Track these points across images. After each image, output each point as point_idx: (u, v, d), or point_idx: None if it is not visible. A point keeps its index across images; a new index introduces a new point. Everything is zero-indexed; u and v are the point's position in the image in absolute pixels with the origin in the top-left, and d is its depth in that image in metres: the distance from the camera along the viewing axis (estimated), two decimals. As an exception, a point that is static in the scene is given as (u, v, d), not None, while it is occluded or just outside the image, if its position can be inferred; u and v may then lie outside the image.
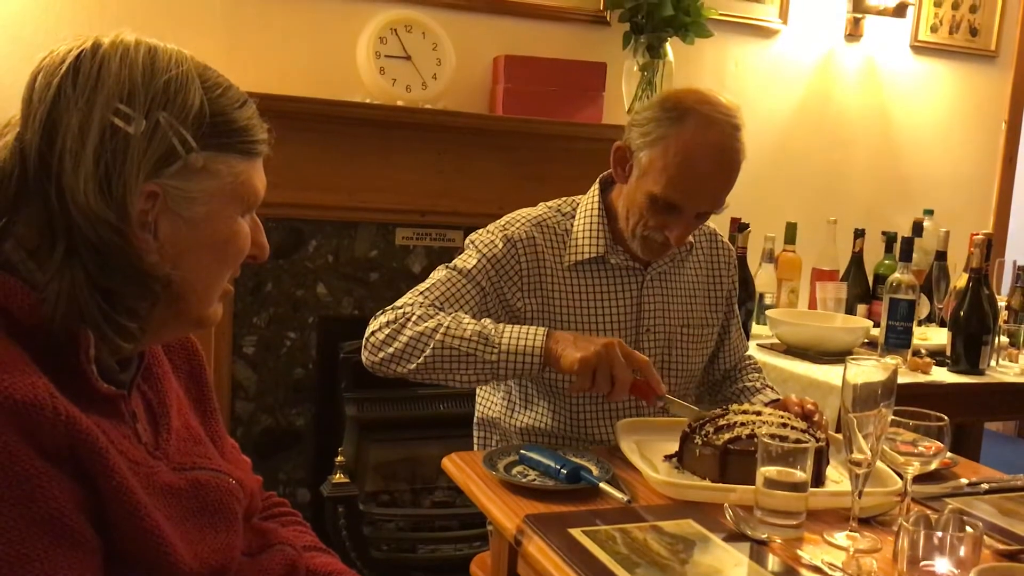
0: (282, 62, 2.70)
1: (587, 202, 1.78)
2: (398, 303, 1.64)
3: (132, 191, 0.88)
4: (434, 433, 2.68)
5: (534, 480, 1.39)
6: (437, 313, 1.59)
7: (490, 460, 1.45)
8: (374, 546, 2.60)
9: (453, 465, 1.50)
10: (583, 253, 1.73)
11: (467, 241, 1.74)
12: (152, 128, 0.88)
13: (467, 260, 1.69)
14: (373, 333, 1.61)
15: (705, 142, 1.60)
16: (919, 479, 1.31)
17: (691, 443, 1.46)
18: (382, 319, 1.62)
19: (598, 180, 1.81)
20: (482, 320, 1.59)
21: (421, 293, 1.65)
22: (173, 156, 0.90)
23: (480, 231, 1.75)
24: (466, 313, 1.63)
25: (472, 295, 1.66)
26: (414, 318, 1.58)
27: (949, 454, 1.59)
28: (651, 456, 1.53)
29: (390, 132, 2.69)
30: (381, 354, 1.59)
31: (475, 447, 1.88)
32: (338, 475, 2.51)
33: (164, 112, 0.89)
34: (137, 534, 0.86)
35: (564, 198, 1.83)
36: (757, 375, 1.95)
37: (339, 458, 2.53)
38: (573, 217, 1.77)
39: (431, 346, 1.55)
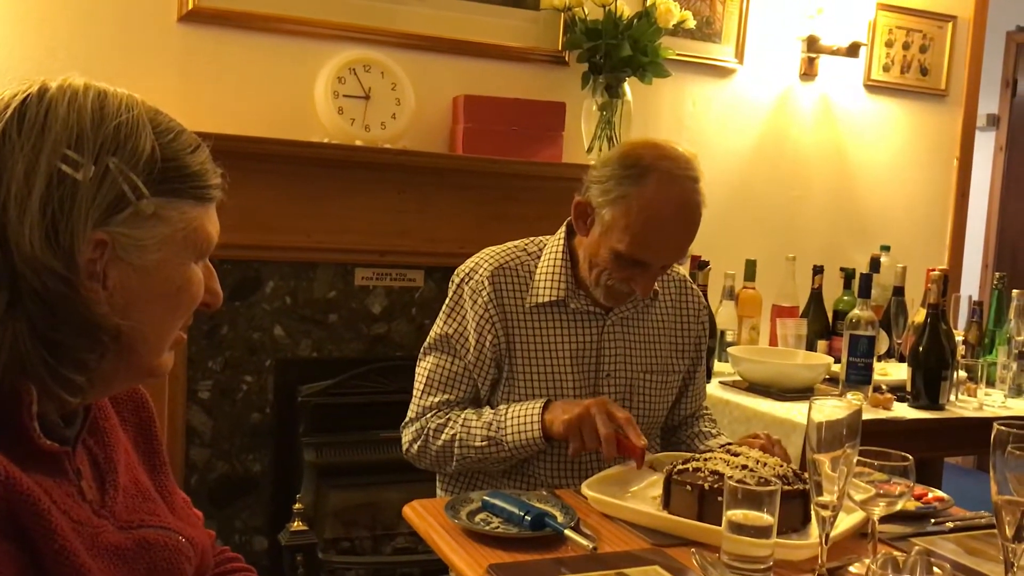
0: (239, 103, 2.67)
1: (552, 244, 1.78)
2: (411, 414, 1.76)
3: (80, 240, 0.84)
4: (395, 477, 2.62)
5: (497, 528, 1.36)
6: (448, 420, 1.70)
7: (452, 508, 1.42)
8: (334, 595, 2.54)
9: (414, 513, 1.47)
10: (544, 296, 1.73)
11: (443, 307, 1.77)
12: (101, 174, 0.85)
13: (446, 327, 1.75)
14: (407, 449, 1.76)
15: (668, 199, 1.60)
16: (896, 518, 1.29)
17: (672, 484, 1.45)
18: (408, 435, 1.76)
19: (565, 223, 1.80)
20: (484, 413, 1.69)
21: (422, 395, 1.75)
22: (123, 203, 0.86)
23: (451, 286, 1.78)
24: (463, 386, 1.73)
25: (460, 373, 1.73)
26: (431, 432, 1.71)
27: (943, 493, 1.60)
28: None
29: (349, 172, 2.67)
30: (423, 463, 1.76)
31: (438, 493, 1.84)
32: (296, 522, 2.44)
33: (114, 158, 0.86)
34: (81, 599, 0.82)
35: (532, 238, 1.82)
36: (712, 423, 1.95)
37: (297, 505, 2.46)
38: (539, 258, 1.77)
39: (455, 456, 1.69)
